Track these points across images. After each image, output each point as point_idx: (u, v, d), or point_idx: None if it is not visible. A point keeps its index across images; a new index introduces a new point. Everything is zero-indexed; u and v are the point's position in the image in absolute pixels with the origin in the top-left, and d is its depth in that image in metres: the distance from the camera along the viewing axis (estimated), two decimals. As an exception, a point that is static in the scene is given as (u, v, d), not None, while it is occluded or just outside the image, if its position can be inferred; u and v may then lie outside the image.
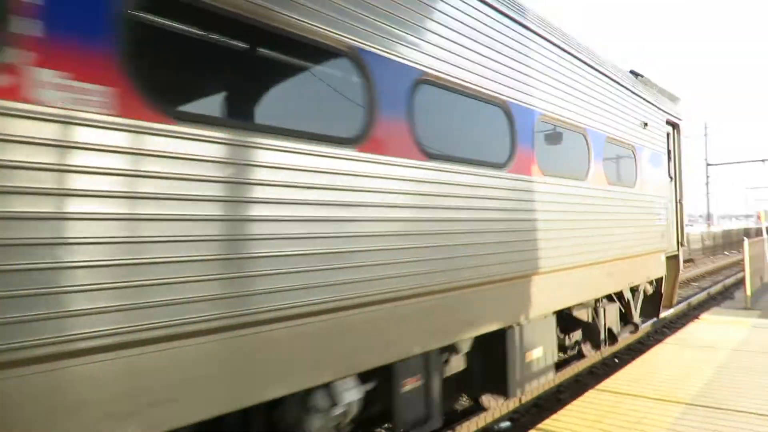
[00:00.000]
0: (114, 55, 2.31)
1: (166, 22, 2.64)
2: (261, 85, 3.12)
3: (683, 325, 9.03)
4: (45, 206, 2.08)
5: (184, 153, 2.53)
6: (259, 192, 2.84)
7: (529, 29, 5.32)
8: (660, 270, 8.65)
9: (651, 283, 8.73)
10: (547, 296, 5.46)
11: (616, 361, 8.58)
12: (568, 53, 6.07)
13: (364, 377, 3.70)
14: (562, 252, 5.67)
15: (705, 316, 9.20)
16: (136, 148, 2.37)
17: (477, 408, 5.91)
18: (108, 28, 2.29)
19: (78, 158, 2.18)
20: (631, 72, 8.59)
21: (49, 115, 2.09)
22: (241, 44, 3.06)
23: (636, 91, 7.98)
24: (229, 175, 2.71)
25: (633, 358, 7.92)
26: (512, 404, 6.40)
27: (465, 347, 4.87)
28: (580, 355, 7.20)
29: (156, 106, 2.45)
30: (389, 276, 3.58)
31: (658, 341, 7.61)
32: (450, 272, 4.11)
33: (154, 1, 2.53)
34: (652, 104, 8.62)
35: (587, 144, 6.38)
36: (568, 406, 4.85)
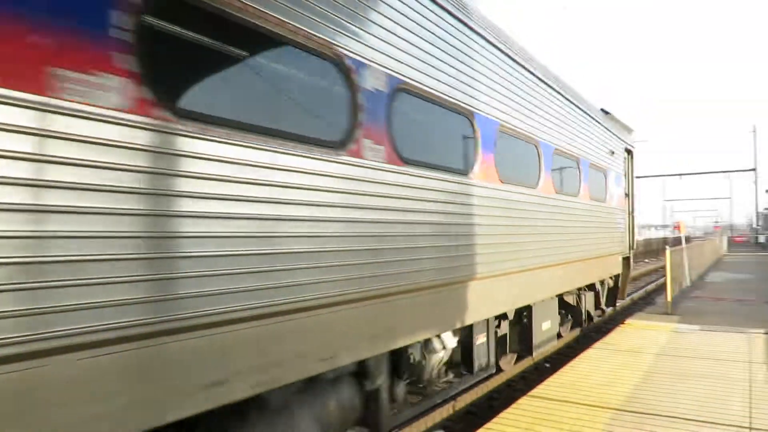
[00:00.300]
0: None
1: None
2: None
3: (610, 329, 9.26)
4: None
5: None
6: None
7: (535, 76, 6.87)
8: (618, 268, 10.86)
9: (611, 278, 10.86)
10: (552, 284, 7.33)
11: (547, 366, 8.69)
12: (569, 101, 8.07)
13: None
14: (560, 251, 7.48)
15: (630, 321, 9.51)
16: (36, 128, 2.03)
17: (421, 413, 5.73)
18: None
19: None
20: (602, 110, 10.27)
21: None
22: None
23: (607, 127, 10.20)
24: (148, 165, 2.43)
25: (564, 363, 8.05)
26: (445, 412, 6.28)
27: (510, 317, 6.59)
28: (558, 336, 8.49)
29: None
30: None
31: (587, 346, 7.73)
32: (494, 264, 5.61)
33: None
34: (617, 136, 10.89)
35: (579, 170, 8.45)
36: (502, 414, 4.76)
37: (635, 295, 16.71)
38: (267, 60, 3.14)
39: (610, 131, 10.30)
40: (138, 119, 2.39)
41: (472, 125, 5.28)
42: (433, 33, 4.63)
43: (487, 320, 6.00)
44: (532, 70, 6.72)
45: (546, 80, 7.17)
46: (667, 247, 11.67)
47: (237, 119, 2.89)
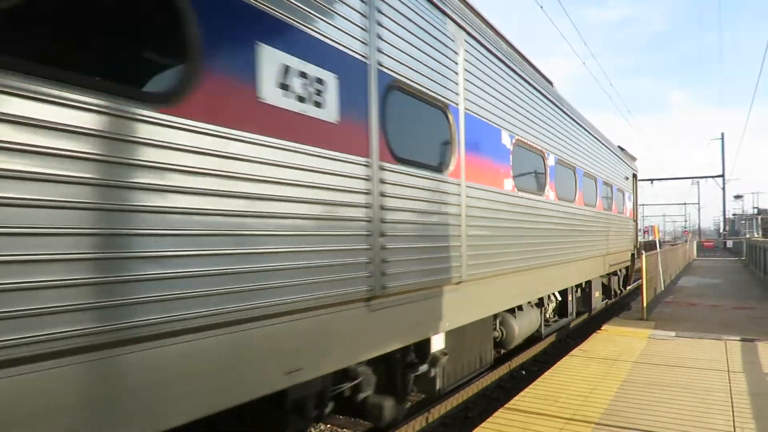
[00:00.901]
0: None
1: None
2: None
3: (587, 334, 9.13)
4: None
5: None
6: None
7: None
8: (629, 260, 14.58)
9: (625, 267, 14.38)
10: (600, 267, 11.02)
11: (523, 373, 8.50)
12: (605, 145, 11.95)
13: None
14: (604, 247, 11.26)
15: (606, 327, 9.41)
16: None
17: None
18: None
19: None
20: (619, 146, 14.05)
21: None
22: None
23: (623, 159, 14.10)
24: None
25: (540, 370, 7.87)
26: (418, 424, 6.00)
27: (581, 285, 10.40)
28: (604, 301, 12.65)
29: None
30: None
31: (565, 353, 7.56)
32: (563, 254, 8.34)
33: None
34: (627, 164, 14.80)
35: (611, 191, 12.34)
36: (477, 430, 4.51)
37: (610, 301, 16.73)
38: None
39: (624, 162, 14.25)
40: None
41: (544, 163, 7.67)
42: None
43: (573, 287, 9.80)
44: (579, 121, 9.64)
45: (589, 130, 10.51)
46: (643, 252, 11.65)
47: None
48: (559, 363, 6.85)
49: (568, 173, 8.85)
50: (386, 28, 3.92)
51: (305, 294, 3.12)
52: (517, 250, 6.42)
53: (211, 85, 2.57)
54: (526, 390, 5.66)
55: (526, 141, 6.86)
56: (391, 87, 4.01)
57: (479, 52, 5.52)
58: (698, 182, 61.55)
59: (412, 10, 4.28)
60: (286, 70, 2.99)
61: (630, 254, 14.65)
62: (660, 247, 18.06)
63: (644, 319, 10.14)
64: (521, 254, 6.53)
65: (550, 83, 8.39)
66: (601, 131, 11.67)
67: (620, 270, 13.93)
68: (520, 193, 6.58)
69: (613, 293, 13.29)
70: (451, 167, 4.87)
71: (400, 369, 4.83)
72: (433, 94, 4.57)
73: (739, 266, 28.19)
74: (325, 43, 3.29)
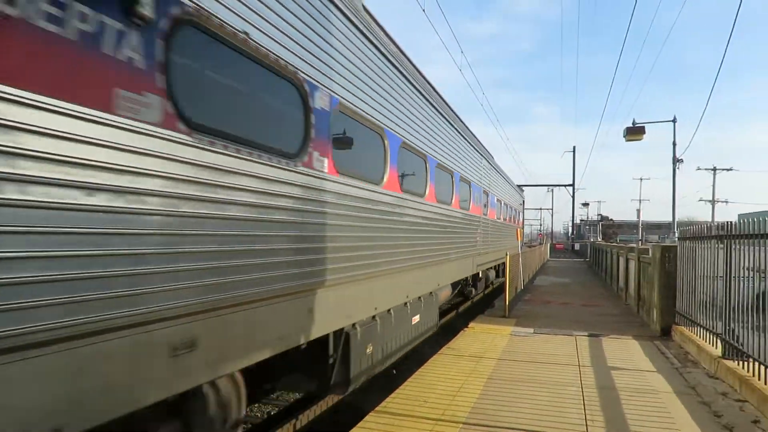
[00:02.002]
0: None
1: None
2: None
3: (456, 332, 9.40)
4: None
5: None
6: None
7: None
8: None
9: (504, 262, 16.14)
10: (490, 257, 14.39)
11: (394, 372, 8.50)
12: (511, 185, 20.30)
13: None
14: (499, 245, 15.70)
15: (473, 325, 9.78)
16: None
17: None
18: None
19: None
20: (518, 186, 22.76)
21: None
22: None
23: (520, 193, 23.22)
24: None
25: (411, 369, 7.92)
26: (286, 431, 5.67)
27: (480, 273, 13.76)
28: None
29: None
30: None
31: (435, 351, 7.67)
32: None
33: None
34: (520, 195, 23.65)
35: (515, 210, 20.90)
36: (346, 437, 4.31)
37: (476, 299, 17.63)
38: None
39: (520, 195, 22.59)
40: None
41: (470, 186, 11.24)
42: None
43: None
44: (488, 159, 13.61)
45: (496, 168, 15.57)
46: (507, 252, 12.33)
47: None
48: (428, 362, 6.92)
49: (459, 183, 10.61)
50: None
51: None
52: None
53: None
54: (396, 391, 5.59)
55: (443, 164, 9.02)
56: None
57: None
58: (552, 190, 67.87)
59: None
60: None
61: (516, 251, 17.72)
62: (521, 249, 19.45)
63: (506, 317, 10.72)
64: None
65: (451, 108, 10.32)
66: (506, 173, 17.92)
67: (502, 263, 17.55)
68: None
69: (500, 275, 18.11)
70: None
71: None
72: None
73: (584, 267, 31.41)
74: None
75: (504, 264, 13.41)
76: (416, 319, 7.75)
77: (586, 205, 77.73)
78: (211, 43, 3.13)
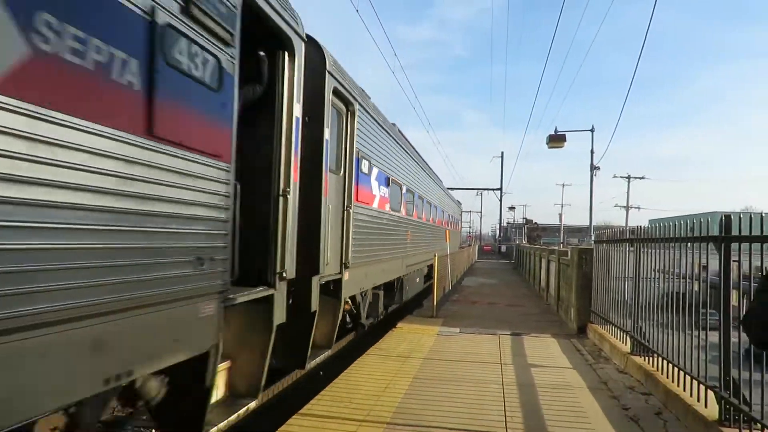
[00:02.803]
0: None
1: None
2: None
3: (384, 332, 9.44)
4: None
5: None
6: None
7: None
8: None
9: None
10: (421, 257, 14.34)
11: (321, 374, 8.41)
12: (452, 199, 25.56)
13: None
14: (430, 248, 15.65)
15: (401, 325, 9.87)
16: None
17: None
18: None
19: None
20: (457, 200, 30.30)
21: None
22: None
23: (459, 206, 31.42)
24: None
25: (338, 370, 7.86)
26: (205, 437, 5.44)
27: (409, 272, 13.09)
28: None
29: None
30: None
31: (363, 351, 7.66)
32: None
33: None
34: (459, 206, 31.69)
35: (446, 213, 21.99)
36: (268, 441, 4.19)
37: (406, 299, 17.85)
38: None
39: (460, 207, 30.91)
40: None
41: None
42: None
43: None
44: (430, 174, 15.53)
45: (427, 172, 16.09)
46: (435, 254, 12.55)
47: None
48: (355, 362, 6.90)
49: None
50: None
51: None
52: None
53: None
54: (322, 392, 5.53)
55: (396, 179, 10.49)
56: None
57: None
58: (481, 193, 69.99)
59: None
60: None
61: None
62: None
63: (434, 317, 10.91)
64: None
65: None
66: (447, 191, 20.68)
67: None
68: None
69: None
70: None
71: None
72: None
73: (510, 268, 32.60)
74: None
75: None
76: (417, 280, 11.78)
77: (512, 208, 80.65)
78: None
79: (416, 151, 14.37)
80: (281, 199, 4.89)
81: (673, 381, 5.45)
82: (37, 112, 2.15)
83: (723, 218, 4.43)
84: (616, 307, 7.89)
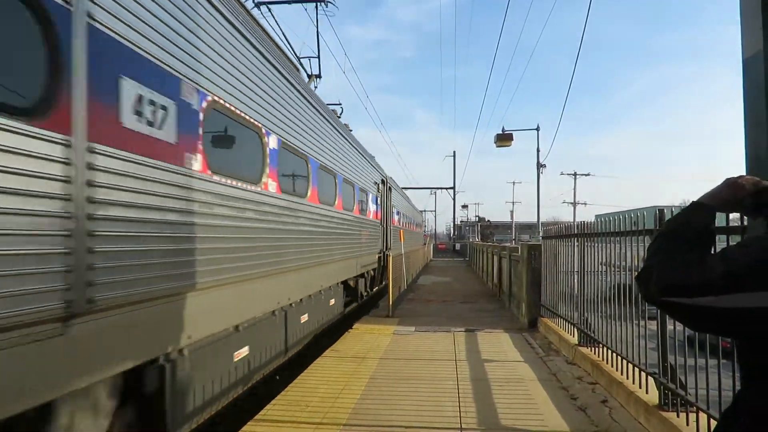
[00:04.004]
0: None
1: None
2: None
3: (340, 334, 9.43)
4: None
5: None
6: None
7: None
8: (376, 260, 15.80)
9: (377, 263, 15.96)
10: (374, 258, 14.38)
11: (278, 378, 8.33)
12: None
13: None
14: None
15: (357, 325, 9.88)
16: None
17: None
18: None
19: None
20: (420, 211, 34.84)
21: None
22: None
23: (406, 197, 26.74)
24: None
25: (294, 374, 7.80)
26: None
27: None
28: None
29: None
30: None
31: (318, 354, 7.63)
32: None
33: None
34: (417, 211, 33.58)
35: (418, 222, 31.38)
36: (222, 450, 4.13)
37: (362, 300, 17.87)
38: None
39: (407, 199, 24.80)
40: None
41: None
42: None
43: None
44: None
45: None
46: (389, 254, 12.64)
47: None
48: (311, 365, 6.87)
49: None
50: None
51: None
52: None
53: None
54: (277, 397, 5.48)
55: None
56: None
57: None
58: (435, 192, 70.89)
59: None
60: None
61: (377, 255, 15.17)
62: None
63: (390, 317, 10.98)
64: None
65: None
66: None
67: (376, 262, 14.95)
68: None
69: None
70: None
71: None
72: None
73: (464, 266, 33.15)
74: None
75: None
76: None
77: (465, 207, 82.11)
78: None
79: (368, 153, 14.18)
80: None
81: (617, 370, 5.70)
82: None
83: (657, 212, 4.68)
84: (564, 301, 8.17)
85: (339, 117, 11.31)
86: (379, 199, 14.95)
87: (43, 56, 2.70)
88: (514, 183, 69.44)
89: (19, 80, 2.63)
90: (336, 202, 9.63)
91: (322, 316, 9.17)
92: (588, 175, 55.41)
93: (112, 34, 3.20)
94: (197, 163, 4.25)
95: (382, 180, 15.93)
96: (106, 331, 3.17)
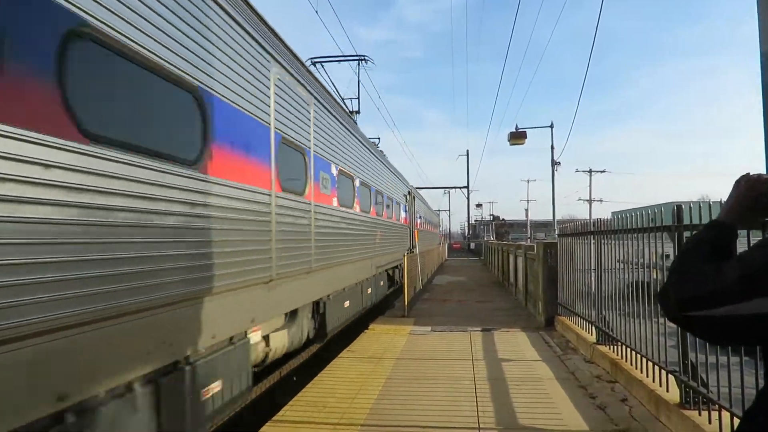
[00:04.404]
0: None
1: None
2: None
3: (356, 334, 9.45)
4: None
5: None
6: None
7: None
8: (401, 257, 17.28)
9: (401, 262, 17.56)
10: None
11: (294, 379, 8.38)
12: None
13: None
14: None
15: (373, 326, 9.90)
16: None
17: None
18: None
19: None
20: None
21: None
22: None
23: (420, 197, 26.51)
24: None
25: (311, 374, 7.84)
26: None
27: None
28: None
29: None
30: None
31: (336, 354, 7.66)
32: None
33: None
34: (423, 201, 29.13)
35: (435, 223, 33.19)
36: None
37: (377, 300, 17.89)
38: None
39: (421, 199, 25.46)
40: None
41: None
42: None
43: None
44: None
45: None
46: (415, 250, 12.63)
47: None
48: (328, 366, 6.89)
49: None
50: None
51: None
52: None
53: None
54: (295, 398, 5.51)
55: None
56: None
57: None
58: (449, 191, 70.71)
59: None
60: None
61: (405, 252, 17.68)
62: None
63: (406, 317, 10.98)
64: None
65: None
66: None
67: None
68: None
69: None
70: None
71: None
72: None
73: (479, 265, 33.00)
74: None
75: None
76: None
77: (479, 206, 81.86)
78: None
79: (383, 154, 15.09)
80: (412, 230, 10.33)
81: (636, 368, 5.64)
82: None
83: (675, 208, 4.62)
84: (581, 299, 8.09)
85: (377, 146, 14.58)
86: (406, 207, 18.25)
87: None
88: (528, 181, 69.05)
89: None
90: (382, 212, 13.25)
91: (378, 290, 13.05)
92: (603, 171, 54.82)
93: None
94: (335, 200, 8.23)
95: (408, 192, 19.47)
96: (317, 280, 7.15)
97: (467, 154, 55.91)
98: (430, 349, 7.74)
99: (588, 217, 48.02)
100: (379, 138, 19.53)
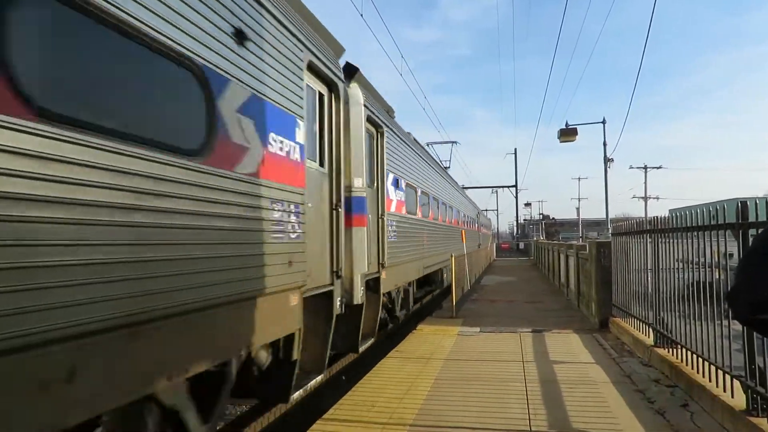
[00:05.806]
0: None
1: None
2: None
3: (404, 334, 9.45)
4: None
5: None
6: None
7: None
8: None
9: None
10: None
11: (343, 378, 8.46)
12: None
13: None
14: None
15: (421, 326, 9.87)
16: None
17: None
18: None
19: None
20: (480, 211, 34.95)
21: None
22: None
23: (466, 195, 26.47)
24: None
25: (359, 374, 7.90)
26: (231, 446, 5.52)
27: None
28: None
29: None
30: None
31: (384, 354, 7.69)
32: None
33: None
34: (469, 199, 27.59)
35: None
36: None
37: (425, 300, 17.84)
38: None
39: (467, 198, 26.29)
40: None
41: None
42: None
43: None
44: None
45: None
46: (452, 254, 12.54)
47: None
48: (376, 366, 6.92)
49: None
50: None
51: None
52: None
53: None
54: (344, 398, 5.56)
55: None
56: None
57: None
58: (497, 191, 69.71)
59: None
60: None
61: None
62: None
63: (454, 317, 10.89)
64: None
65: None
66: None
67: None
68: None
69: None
70: None
71: None
72: None
73: (529, 265, 32.35)
74: None
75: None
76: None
77: (528, 205, 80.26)
78: None
79: (433, 159, 16.02)
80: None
81: (698, 372, 5.38)
82: None
83: (739, 204, 4.38)
84: (637, 300, 7.80)
85: (447, 168, 19.81)
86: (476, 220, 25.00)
87: None
88: (579, 179, 67.21)
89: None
90: (444, 219, 16.22)
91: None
92: (659, 168, 52.66)
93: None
94: (420, 213, 10.85)
95: (478, 213, 25.74)
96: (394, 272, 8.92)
97: (515, 152, 54.99)
98: (479, 350, 7.64)
99: (643, 215, 46.30)
100: (449, 161, 25.23)
